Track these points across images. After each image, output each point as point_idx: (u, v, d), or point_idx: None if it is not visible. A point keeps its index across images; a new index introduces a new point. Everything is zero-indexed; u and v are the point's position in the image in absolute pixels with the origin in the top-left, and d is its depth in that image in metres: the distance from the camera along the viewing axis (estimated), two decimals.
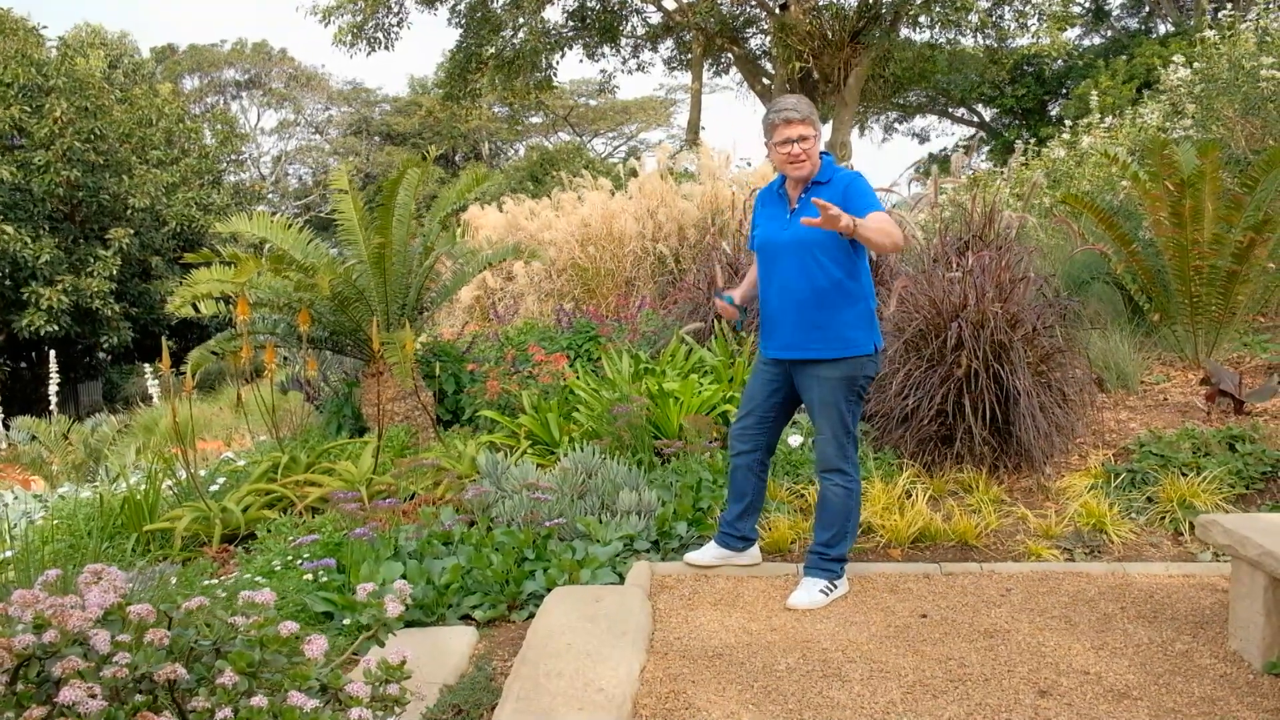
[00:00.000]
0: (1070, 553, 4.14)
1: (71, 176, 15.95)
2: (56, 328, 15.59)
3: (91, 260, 16.36)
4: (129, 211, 17.27)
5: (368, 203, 6.22)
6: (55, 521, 5.01)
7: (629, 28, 20.17)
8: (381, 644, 2.21)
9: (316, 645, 1.92)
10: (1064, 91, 24.44)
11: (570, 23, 19.35)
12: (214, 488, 5.40)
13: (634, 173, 10.21)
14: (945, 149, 30.16)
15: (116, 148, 17.27)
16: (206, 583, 3.89)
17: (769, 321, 3.74)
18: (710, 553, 3.99)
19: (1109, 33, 27.37)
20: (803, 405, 3.84)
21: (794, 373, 3.71)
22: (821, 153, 3.64)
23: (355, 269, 6.00)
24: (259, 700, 1.75)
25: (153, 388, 11.36)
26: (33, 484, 7.65)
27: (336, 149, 36.97)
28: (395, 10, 17.90)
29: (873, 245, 3.45)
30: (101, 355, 19.76)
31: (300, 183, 37.42)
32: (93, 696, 1.63)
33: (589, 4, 19.03)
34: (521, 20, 18.26)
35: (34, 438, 8.19)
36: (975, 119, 29.17)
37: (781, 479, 4.80)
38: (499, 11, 18.18)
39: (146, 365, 12.61)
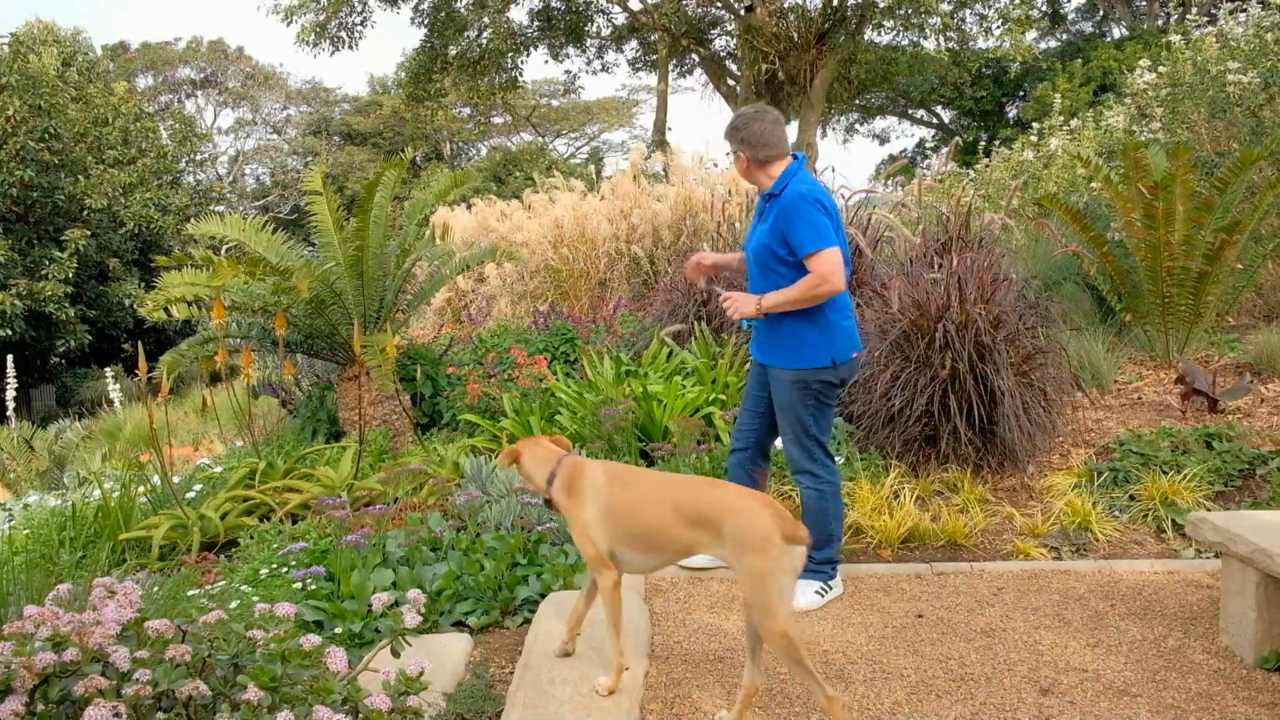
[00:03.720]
0: (1057, 551, 4.18)
1: (25, 176, 15.59)
2: (10, 332, 15.22)
3: (46, 262, 15.99)
4: (85, 212, 16.92)
5: (338, 204, 6.12)
6: (25, 531, 4.88)
7: (594, 28, 20.14)
8: (397, 655, 2.17)
9: (338, 658, 1.88)
10: (1022, 94, 24.83)
11: (535, 23, 19.27)
12: (190, 495, 5.29)
13: (598, 173, 10.19)
14: (905, 150, 30.51)
15: (71, 147, 16.91)
16: (191, 592, 3.81)
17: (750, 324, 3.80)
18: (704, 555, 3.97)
19: (1065, 36, 27.86)
20: None
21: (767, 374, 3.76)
22: (795, 153, 3.64)
23: (332, 271, 5.91)
24: (285, 716, 1.70)
25: (114, 392, 11.12)
26: None
27: (295, 149, 36.53)
28: (359, 9, 17.70)
29: (799, 305, 3.49)
30: (55, 359, 19.34)
31: (258, 183, 36.92)
32: (117, 716, 1.58)
33: (554, 4, 18.96)
34: (486, 20, 18.15)
35: None
36: (934, 121, 29.54)
37: (770, 481, 4.80)
38: (463, 11, 18.06)
39: (106, 369, 12.35)
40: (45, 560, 4.43)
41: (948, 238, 6.08)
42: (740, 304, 3.61)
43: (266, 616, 1.93)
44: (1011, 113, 25.57)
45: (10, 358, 10.99)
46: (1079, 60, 21.88)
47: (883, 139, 32.69)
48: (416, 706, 2.01)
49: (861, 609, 3.63)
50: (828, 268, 3.41)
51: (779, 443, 5.04)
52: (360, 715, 1.94)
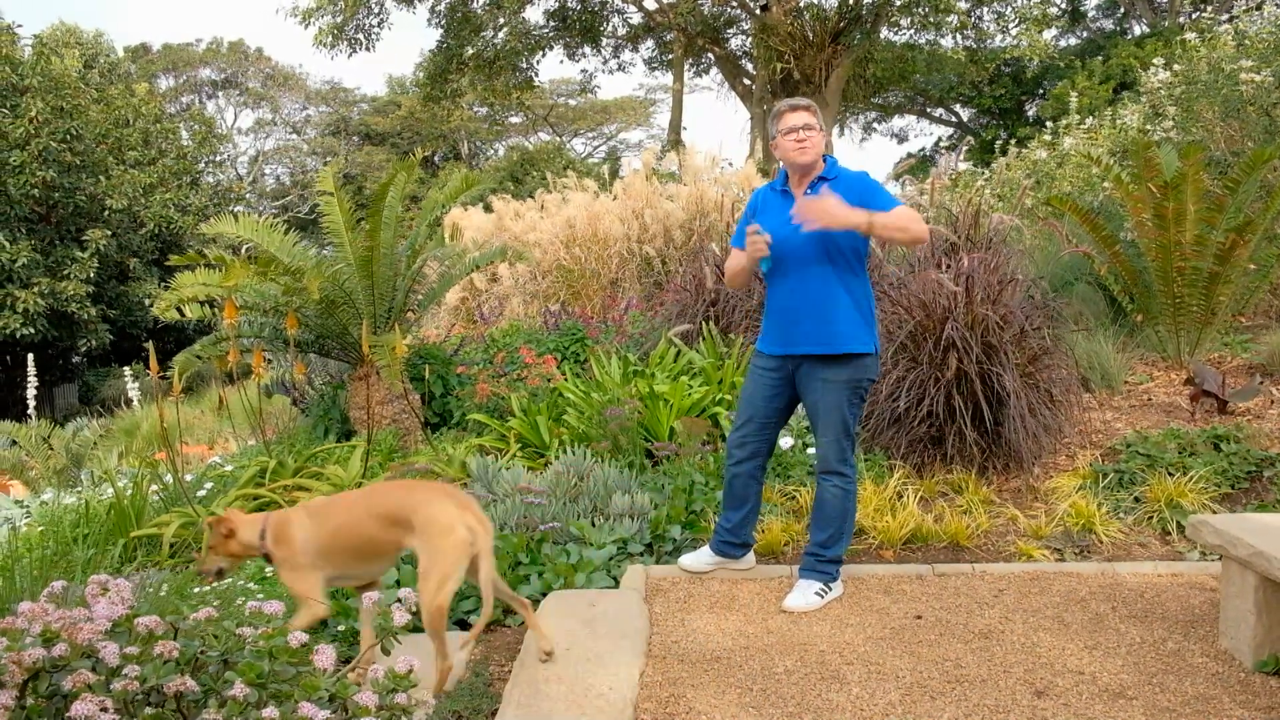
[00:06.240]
0: (1060, 553, 4.17)
1: (47, 177, 15.77)
2: (32, 331, 15.41)
3: (68, 262, 16.19)
4: (106, 213, 17.10)
5: (352, 204, 6.18)
6: (40, 528, 4.96)
7: (610, 28, 20.18)
8: (387, 652, 2.20)
9: (325, 655, 1.91)
10: (1041, 92, 24.66)
11: (551, 23, 19.33)
12: (201, 493, 5.36)
13: (615, 173, 10.20)
14: (924, 149, 30.36)
15: (93, 148, 17.10)
16: (198, 589, 3.86)
17: (777, 319, 3.73)
18: (705, 558, 3.99)
19: (1085, 34, 27.65)
20: (800, 408, 3.85)
21: (798, 374, 3.71)
22: (824, 156, 3.66)
23: (343, 272, 5.96)
24: (270, 712, 1.74)
25: (132, 391, 11.25)
26: (12, 489, 7.57)
27: (314, 149, 36.77)
28: (375, 10, 17.81)
29: (894, 241, 3.57)
30: (78, 358, 19.56)
31: (278, 183, 37.19)
32: (104, 710, 1.62)
33: (570, 4, 19.01)
34: (502, 20, 18.22)
35: (14, 442, 8.09)
36: (953, 119, 29.39)
37: (773, 481, 4.82)
38: (479, 11, 18.14)
39: (126, 368, 12.50)
40: (59, 557, 4.51)
41: (957, 237, 6.07)
42: (836, 206, 3.36)
43: (256, 614, 1.96)
44: (1031, 111, 25.40)
45: (31, 357, 11.13)
46: (1099, 58, 21.72)
47: (901, 137, 32.53)
48: (404, 704, 2.03)
49: (860, 610, 3.63)
50: (917, 215, 3.55)
51: (783, 443, 5.08)
52: (349, 712, 1.97)
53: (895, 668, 3.14)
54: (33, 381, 10.42)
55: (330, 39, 17.63)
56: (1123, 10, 26.79)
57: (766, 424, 3.82)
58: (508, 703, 2.88)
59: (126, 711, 1.73)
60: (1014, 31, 16.66)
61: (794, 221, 3.44)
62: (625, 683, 2.98)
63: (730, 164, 10.97)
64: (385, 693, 2.03)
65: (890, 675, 3.09)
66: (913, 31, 17.59)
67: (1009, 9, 17.01)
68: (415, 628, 3.56)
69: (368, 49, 18.11)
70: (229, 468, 5.83)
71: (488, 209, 11.29)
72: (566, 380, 6.07)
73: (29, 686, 1.69)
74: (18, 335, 15.25)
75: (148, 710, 1.74)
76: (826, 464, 3.70)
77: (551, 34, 19.30)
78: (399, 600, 2.26)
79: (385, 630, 2.19)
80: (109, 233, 16.76)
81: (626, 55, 21.82)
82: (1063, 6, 25.61)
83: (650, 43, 21.84)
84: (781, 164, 3.74)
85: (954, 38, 17.67)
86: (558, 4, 19.03)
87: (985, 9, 17.40)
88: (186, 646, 1.87)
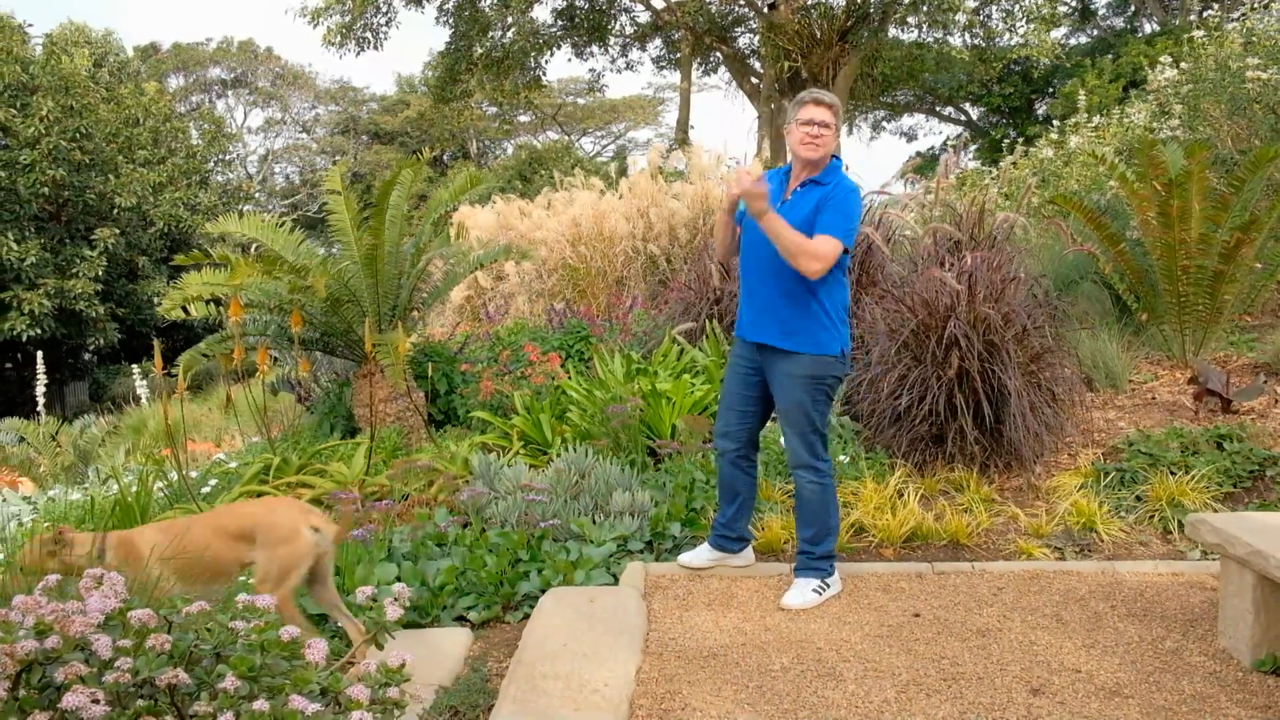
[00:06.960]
0: (1061, 551, 4.17)
1: (57, 176, 15.87)
2: (40, 331, 15.50)
3: (77, 261, 16.28)
4: (115, 211, 17.19)
5: (361, 204, 6.20)
6: (46, 524, 4.99)
7: (617, 27, 20.17)
8: (380, 647, 2.21)
9: (317, 649, 1.92)
10: (1050, 90, 24.56)
11: (559, 22, 19.33)
12: (206, 490, 5.39)
13: (623, 172, 10.20)
14: (933, 147, 30.26)
15: (103, 147, 17.20)
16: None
17: (747, 301, 3.77)
18: (704, 555, 4.00)
19: (1095, 32, 27.53)
20: None
21: (764, 366, 3.74)
22: (834, 158, 3.65)
23: (348, 270, 5.99)
24: (261, 704, 1.75)
25: (141, 388, 11.30)
26: (20, 485, 7.62)
27: (324, 148, 36.87)
28: (384, 10, 17.85)
29: (781, 250, 3.48)
30: (88, 356, 19.67)
31: (287, 181, 37.31)
32: (95, 702, 1.64)
33: (577, 3, 19.01)
34: (510, 20, 18.23)
35: (22, 439, 8.14)
36: (962, 118, 29.29)
37: (774, 478, 4.82)
38: (487, 11, 18.16)
39: (134, 366, 12.57)
40: None
41: (962, 235, 6.06)
42: (755, 191, 3.40)
43: (248, 608, 1.98)
44: (1040, 110, 25.29)
45: (41, 354, 11.19)
46: (1109, 56, 21.61)
47: (910, 136, 32.30)
48: (396, 698, 2.05)
49: (859, 607, 3.64)
50: (828, 255, 3.48)
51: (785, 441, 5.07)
52: (341, 705, 1.99)
53: (892, 665, 3.15)
54: (42, 379, 10.47)
55: (339, 38, 17.65)
56: (1133, 8, 26.67)
57: (745, 413, 3.85)
58: (504, 698, 2.90)
59: (119, 703, 1.74)
60: (1022, 30, 16.58)
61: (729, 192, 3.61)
62: (622, 679, 2.99)
63: (736, 162, 10.95)
64: (377, 686, 2.04)
65: (887, 673, 3.10)
66: (921, 30, 17.54)
67: (1017, 7, 16.94)
68: (404, 623, 3.60)
69: (376, 48, 18.15)
70: (234, 464, 5.86)
71: (493, 208, 11.31)
72: (570, 378, 6.08)
73: (22, 678, 1.70)
74: (24, 336, 15.34)
75: (140, 702, 1.75)
76: (796, 459, 3.72)
77: (559, 33, 19.30)
78: (391, 594, 2.27)
79: (378, 625, 2.20)
80: (118, 231, 16.86)
81: (634, 54, 21.78)
82: (1072, 5, 25.49)
83: (658, 41, 21.81)
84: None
85: (962, 36, 17.60)
86: (565, 3, 19.03)
87: (993, 7, 17.33)
88: (179, 640, 1.89)
